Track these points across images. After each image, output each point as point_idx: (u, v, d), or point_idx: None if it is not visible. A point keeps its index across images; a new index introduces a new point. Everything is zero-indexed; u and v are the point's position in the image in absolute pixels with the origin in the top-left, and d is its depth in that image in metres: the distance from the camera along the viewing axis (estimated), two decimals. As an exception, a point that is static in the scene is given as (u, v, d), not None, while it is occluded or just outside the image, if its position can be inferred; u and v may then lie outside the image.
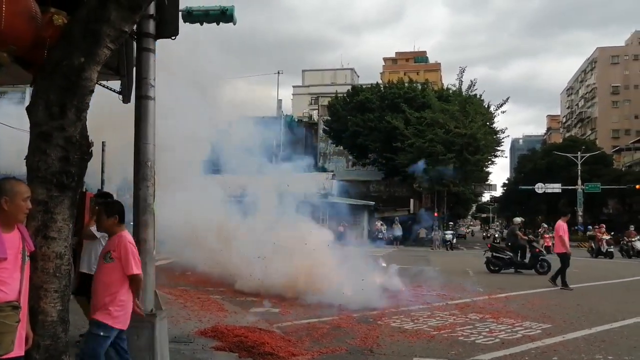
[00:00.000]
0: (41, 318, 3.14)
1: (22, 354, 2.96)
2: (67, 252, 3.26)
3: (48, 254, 3.18)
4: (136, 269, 3.95)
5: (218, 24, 9.70)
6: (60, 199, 3.22)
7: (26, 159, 3.26)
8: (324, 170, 48.55)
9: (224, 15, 9.54)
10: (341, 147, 50.15)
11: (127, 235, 4.07)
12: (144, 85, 4.87)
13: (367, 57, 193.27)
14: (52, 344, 3.16)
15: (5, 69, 3.32)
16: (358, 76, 77.43)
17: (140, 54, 4.92)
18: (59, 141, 3.18)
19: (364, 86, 49.36)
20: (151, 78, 4.92)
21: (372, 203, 37.86)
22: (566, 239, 13.06)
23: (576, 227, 48.85)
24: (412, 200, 44.39)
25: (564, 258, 12.82)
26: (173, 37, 5.16)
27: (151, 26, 4.91)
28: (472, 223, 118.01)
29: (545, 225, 31.58)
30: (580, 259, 22.90)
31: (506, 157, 55.17)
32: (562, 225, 13.16)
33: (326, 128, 50.28)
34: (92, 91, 3.34)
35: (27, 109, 3.25)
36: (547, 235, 28.14)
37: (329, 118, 49.20)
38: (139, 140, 4.80)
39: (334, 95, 50.60)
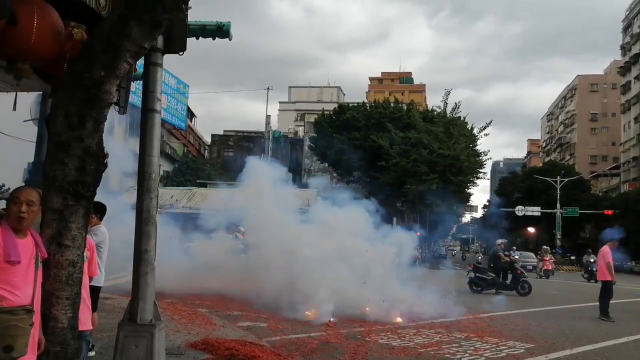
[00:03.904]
0: (52, 324, 3.18)
1: (34, 358, 3.01)
2: (79, 260, 3.32)
3: (61, 262, 3.23)
4: None
5: (214, 39, 9.84)
6: (76, 208, 3.29)
7: (43, 168, 3.33)
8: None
9: (220, 31, 9.67)
10: (326, 164, 50.36)
11: None
12: (150, 99, 4.96)
13: (352, 75, 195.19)
14: (61, 351, 3.20)
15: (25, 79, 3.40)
16: (344, 94, 78.18)
17: (148, 68, 5.02)
18: (76, 151, 3.26)
19: (350, 104, 49.80)
20: (158, 91, 5.02)
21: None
22: (611, 266, 12.27)
23: (554, 250, 49.64)
24: (394, 219, 44.59)
25: (609, 286, 12.20)
26: (181, 53, 5.28)
27: (160, 41, 5.02)
28: (452, 244, 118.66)
29: (546, 247, 30.38)
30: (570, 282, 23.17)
31: (488, 179, 55.97)
32: (608, 251, 12.32)
33: (312, 145, 50.50)
34: (111, 104, 3.44)
35: (46, 119, 3.33)
36: (547, 258, 27.47)
37: (314, 135, 49.43)
38: (144, 153, 4.87)
39: (320, 112, 50.94)
